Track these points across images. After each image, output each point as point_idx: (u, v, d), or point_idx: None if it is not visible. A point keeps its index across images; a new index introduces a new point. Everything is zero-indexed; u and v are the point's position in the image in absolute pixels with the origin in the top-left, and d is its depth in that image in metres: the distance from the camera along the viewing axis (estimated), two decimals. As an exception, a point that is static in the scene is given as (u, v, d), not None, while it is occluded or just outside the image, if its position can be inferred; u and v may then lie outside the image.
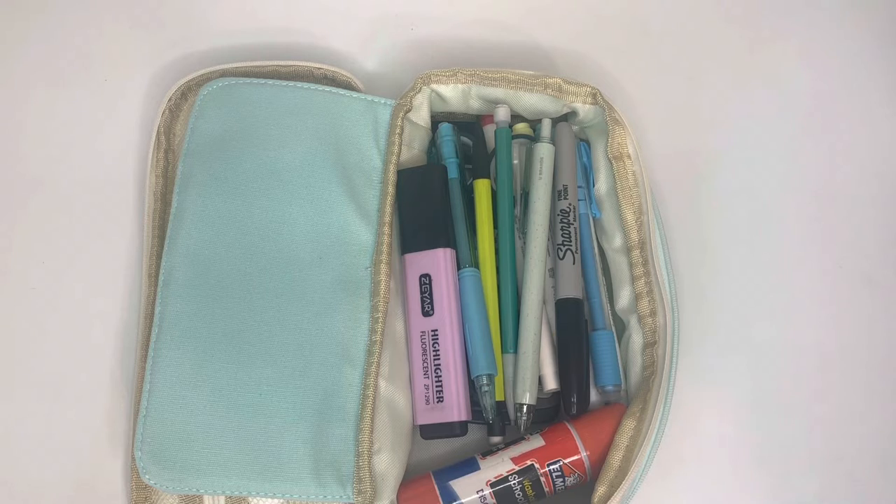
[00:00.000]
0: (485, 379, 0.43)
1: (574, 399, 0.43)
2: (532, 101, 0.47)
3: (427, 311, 0.44)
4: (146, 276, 0.46)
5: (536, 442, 0.43)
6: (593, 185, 0.47)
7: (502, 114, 0.47)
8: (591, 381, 0.45)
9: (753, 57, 0.55)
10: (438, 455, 0.46)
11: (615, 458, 0.41)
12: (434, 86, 0.47)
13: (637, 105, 0.53)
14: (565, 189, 0.46)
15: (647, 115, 0.52)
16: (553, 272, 0.46)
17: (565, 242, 0.45)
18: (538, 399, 0.44)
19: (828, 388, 0.49)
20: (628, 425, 0.42)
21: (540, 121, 0.47)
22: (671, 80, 0.54)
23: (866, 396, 0.49)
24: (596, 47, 0.54)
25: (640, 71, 0.54)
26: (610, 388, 0.44)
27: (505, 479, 0.42)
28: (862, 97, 0.54)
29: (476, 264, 0.46)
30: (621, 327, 0.46)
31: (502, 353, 0.44)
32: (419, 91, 0.47)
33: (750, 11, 0.56)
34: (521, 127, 0.48)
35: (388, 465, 0.42)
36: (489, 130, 0.49)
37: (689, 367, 0.47)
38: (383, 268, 0.44)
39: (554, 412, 0.45)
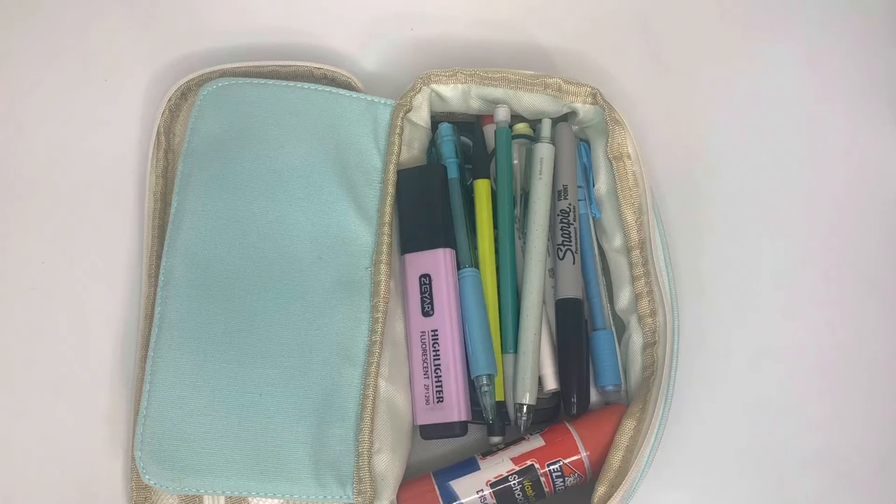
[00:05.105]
0: (485, 379, 0.43)
1: (574, 399, 0.43)
2: (532, 101, 0.47)
3: (427, 311, 0.44)
4: (146, 277, 0.46)
5: (536, 442, 0.43)
6: (593, 185, 0.47)
7: (502, 114, 0.47)
8: (591, 381, 0.45)
9: (754, 57, 0.55)
10: (438, 455, 0.46)
11: (615, 458, 0.41)
12: (434, 86, 0.47)
13: (637, 105, 0.53)
14: (565, 189, 0.46)
15: (647, 115, 0.52)
16: (553, 272, 0.46)
17: (565, 242, 0.45)
18: (538, 399, 0.44)
19: (827, 389, 0.49)
20: (628, 425, 0.42)
21: (540, 121, 0.47)
22: (671, 80, 0.54)
23: (866, 397, 0.49)
24: (596, 47, 0.54)
25: (640, 71, 0.54)
26: (610, 388, 0.44)
27: (505, 480, 0.42)
28: (863, 97, 0.54)
29: (476, 264, 0.46)
30: (621, 327, 0.46)
31: (502, 353, 0.44)
32: (419, 91, 0.47)
33: (750, 11, 0.56)
34: (521, 127, 0.48)
35: (388, 465, 0.42)
36: (489, 130, 0.49)
37: (689, 367, 0.47)
38: (383, 268, 0.44)
39: (554, 412, 0.45)
